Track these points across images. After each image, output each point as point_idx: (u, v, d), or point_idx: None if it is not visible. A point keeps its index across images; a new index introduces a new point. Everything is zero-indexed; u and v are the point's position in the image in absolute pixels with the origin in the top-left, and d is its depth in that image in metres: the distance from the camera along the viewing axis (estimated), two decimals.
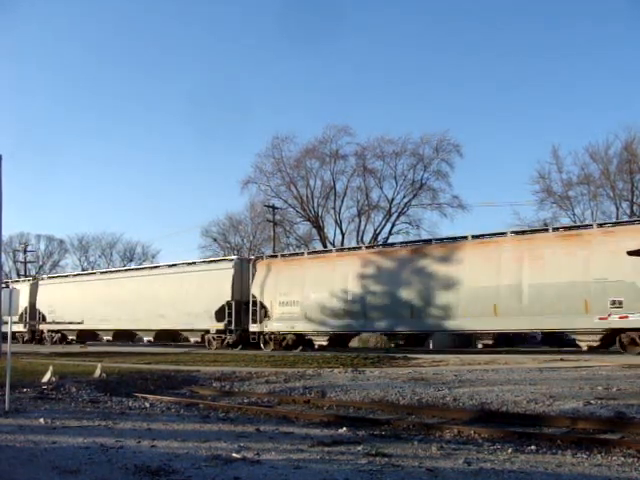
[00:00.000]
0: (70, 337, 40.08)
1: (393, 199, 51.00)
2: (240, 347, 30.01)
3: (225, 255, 57.63)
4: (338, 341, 28.73)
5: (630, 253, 20.42)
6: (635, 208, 41.72)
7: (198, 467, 6.32)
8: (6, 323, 15.27)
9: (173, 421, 9.56)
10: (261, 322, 29.40)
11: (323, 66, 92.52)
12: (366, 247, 32.29)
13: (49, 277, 47.46)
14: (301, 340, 28.57)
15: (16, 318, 39.48)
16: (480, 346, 24.74)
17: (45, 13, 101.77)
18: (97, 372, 16.21)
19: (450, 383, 13.36)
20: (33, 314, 42.48)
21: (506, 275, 22.86)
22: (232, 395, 13.46)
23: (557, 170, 43.77)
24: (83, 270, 72.80)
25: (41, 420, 9.40)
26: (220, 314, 30.56)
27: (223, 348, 30.23)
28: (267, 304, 29.32)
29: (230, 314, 30.23)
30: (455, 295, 23.89)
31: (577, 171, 43.79)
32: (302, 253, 33.32)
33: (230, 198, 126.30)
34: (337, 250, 32.26)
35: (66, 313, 38.89)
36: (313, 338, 28.32)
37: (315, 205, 52.47)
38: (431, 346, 28.64)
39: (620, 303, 20.52)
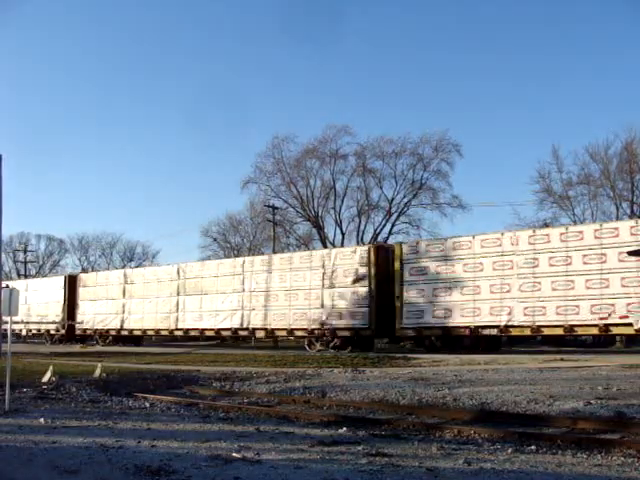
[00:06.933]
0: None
1: (393, 199, 50.97)
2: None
3: (226, 255, 57.62)
4: None
5: (630, 253, 20.40)
6: (635, 208, 41.66)
7: (198, 467, 6.32)
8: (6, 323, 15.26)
9: (173, 421, 9.56)
10: None
11: (323, 66, 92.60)
12: None
13: None
14: None
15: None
16: None
17: (45, 14, 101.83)
18: (97, 372, 16.22)
19: (450, 383, 13.37)
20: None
21: None
22: (232, 395, 13.46)
23: (557, 170, 43.62)
24: (83, 270, 72.70)
25: (41, 420, 9.40)
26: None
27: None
28: None
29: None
30: None
31: (577, 171, 43.67)
32: None
33: (230, 198, 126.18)
34: None
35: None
36: None
37: (315, 205, 52.46)
38: None
39: None
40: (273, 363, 20.08)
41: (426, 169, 49.95)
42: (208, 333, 33.43)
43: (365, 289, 26.63)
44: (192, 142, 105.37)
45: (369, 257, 26.76)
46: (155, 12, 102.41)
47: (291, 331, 29.35)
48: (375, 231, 51.32)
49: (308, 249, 45.21)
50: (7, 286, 15.79)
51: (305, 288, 28.57)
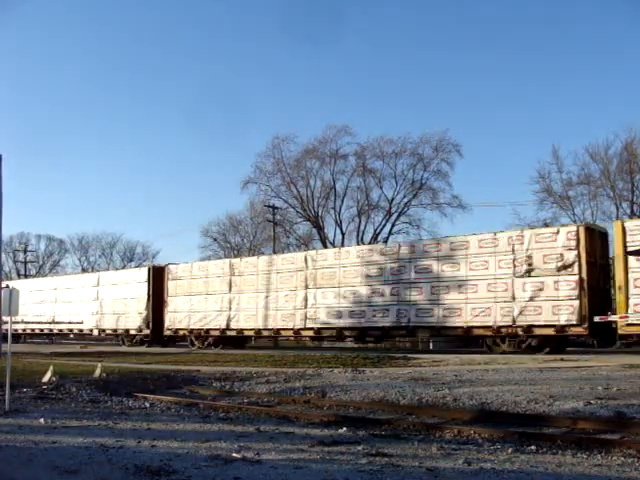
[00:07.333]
0: None
1: (393, 199, 51.09)
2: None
3: (226, 255, 57.58)
4: None
5: (630, 253, 20.40)
6: (635, 208, 41.70)
7: (198, 467, 6.31)
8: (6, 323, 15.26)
9: (173, 421, 9.56)
10: None
11: (323, 66, 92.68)
12: None
13: None
14: None
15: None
16: None
17: (45, 14, 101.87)
18: (97, 372, 16.22)
19: (450, 383, 13.37)
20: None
21: None
22: (232, 395, 13.46)
23: (557, 170, 43.78)
24: (83, 270, 72.66)
25: (41, 420, 9.39)
26: None
27: None
28: None
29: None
30: None
31: (577, 171, 43.82)
32: None
33: (230, 198, 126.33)
34: None
35: None
36: None
37: (315, 205, 52.56)
38: None
39: None
40: (273, 363, 20.09)
41: (426, 169, 50.14)
42: (348, 333, 27.98)
43: (573, 277, 21.95)
44: (192, 142, 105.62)
45: (577, 239, 22.09)
46: (155, 12, 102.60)
47: (468, 329, 24.31)
48: (375, 231, 51.47)
49: (308, 249, 45.05)
50: (7, 286, 15.80)
51: (488, 278, 23.75)
